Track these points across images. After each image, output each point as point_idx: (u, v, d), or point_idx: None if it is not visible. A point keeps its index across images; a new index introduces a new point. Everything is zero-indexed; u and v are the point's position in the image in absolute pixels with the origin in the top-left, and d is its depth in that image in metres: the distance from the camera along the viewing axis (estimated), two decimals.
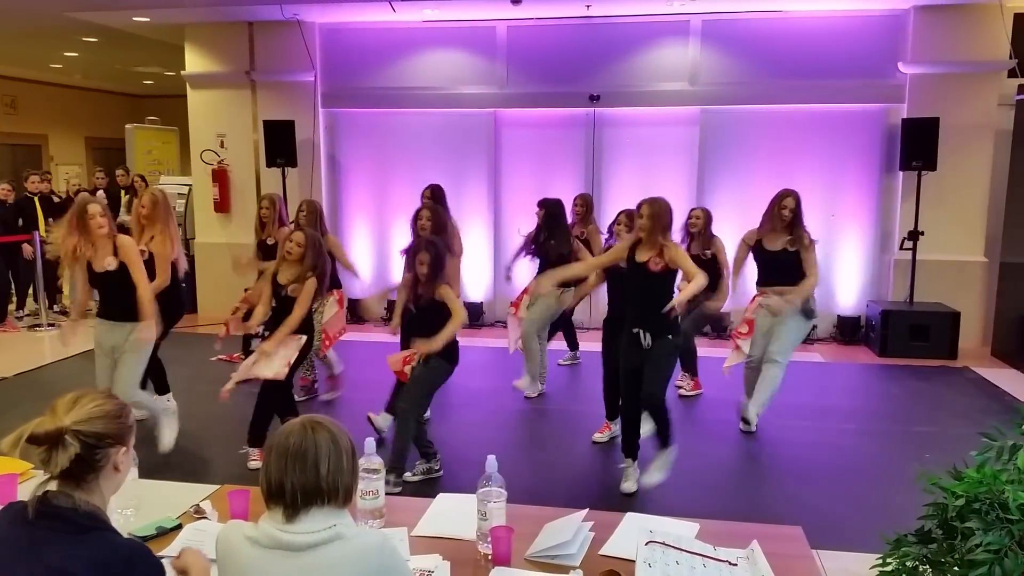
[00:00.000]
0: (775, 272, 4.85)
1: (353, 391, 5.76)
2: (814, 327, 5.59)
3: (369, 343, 7.06)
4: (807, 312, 4.86)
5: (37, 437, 1.53)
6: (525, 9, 7.44)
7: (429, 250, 4.12)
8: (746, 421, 5.02)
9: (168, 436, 4.61)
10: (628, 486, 4.17)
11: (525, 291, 5.66)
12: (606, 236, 5.50)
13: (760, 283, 4.99)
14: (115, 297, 4.34)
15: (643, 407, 4.09)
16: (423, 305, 4.16)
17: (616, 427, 4.85)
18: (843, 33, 7.53)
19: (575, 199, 6.24)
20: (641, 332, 4.03)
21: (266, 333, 4.57)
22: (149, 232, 4.92)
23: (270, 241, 5.68)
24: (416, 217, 5.03)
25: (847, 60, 7.52)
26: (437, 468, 4.35)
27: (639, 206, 4.04)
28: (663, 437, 4.09)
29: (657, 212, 3.96)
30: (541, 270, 5.56)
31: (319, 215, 5.59)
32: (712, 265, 5.30)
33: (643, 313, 4.04)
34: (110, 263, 4.24)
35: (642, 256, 4.02)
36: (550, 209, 5.60)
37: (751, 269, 5.03)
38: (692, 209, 5.62)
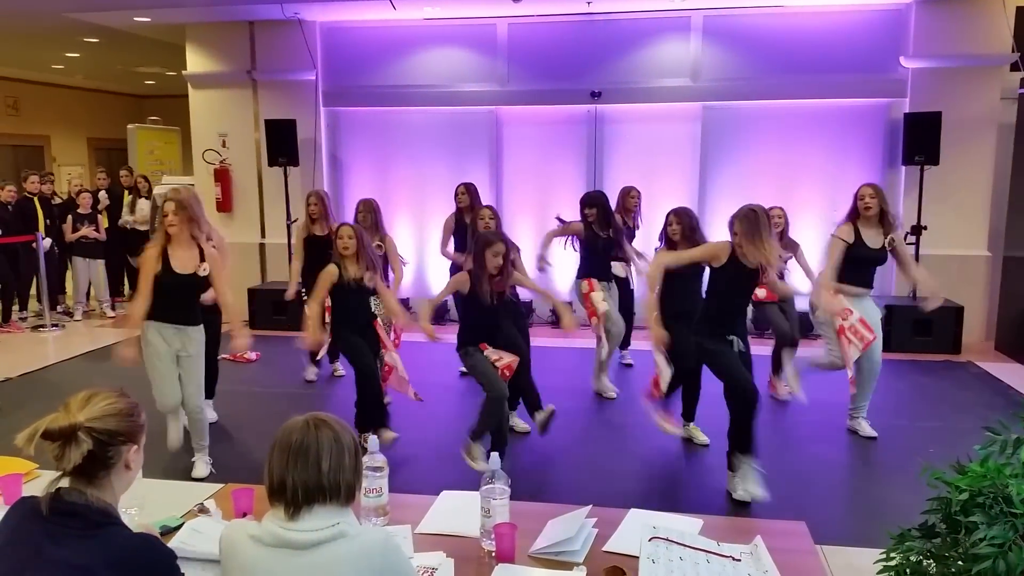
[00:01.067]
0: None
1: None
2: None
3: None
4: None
5: (52, 433, 1.56)
6: (526, 6, 7.44)
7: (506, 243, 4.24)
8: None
9: (202, 470, 4.39)
10: (755, 491, 3.97)
11: (587, 296, 5.54)
12: (658, 245, 5.13)
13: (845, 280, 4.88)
14: (189, 301, 4.24)
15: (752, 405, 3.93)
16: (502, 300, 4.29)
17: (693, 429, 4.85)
18: (844, 28, 7.52)
19: (630, 190, 6.32)
20: (737, 339, 4.02)
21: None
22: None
23: (319, 231, 5.83)
24: (477, 216, 5.34)
25: (849, 55, 7.50)
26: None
27: (732, 219, 3.92)
28: (748, 444, 3.98)
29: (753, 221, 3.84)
30: (595, 263, 5.58)
31: (376, 213, 5.70)
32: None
33: (737, 320, 4.05)
34: (204, 268, 4.14)
35: (749, 262, 3.87)
36: (601, 202, 5.56)
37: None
38: (773, 208, 5.31)
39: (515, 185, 8.29)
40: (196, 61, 8.66)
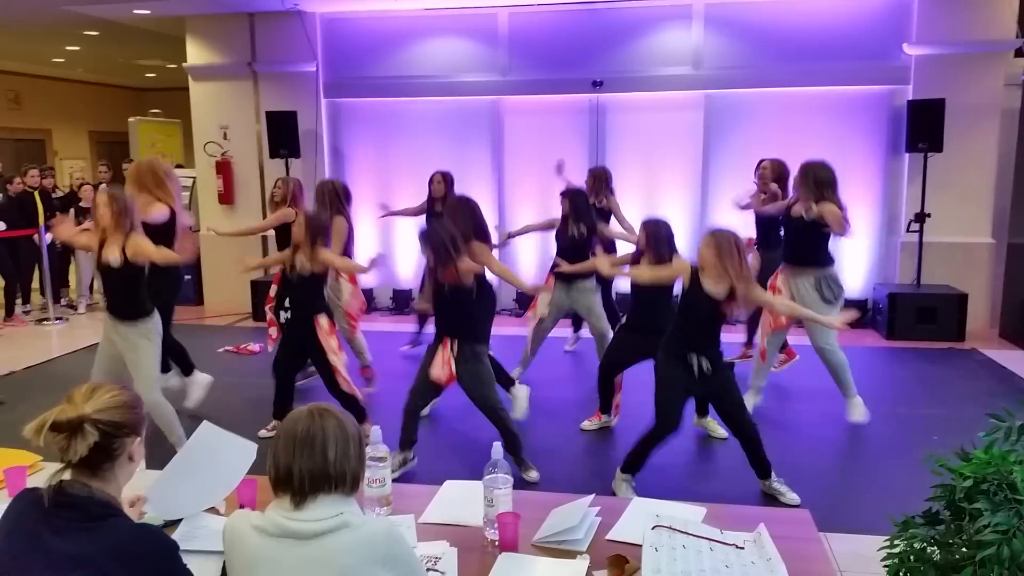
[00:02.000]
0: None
1: (383, 381, 5.76)
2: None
3: (377, 333, 7.06)
4: (827, 300, 4.82)
5: (59, 424, 1.58)
6: None
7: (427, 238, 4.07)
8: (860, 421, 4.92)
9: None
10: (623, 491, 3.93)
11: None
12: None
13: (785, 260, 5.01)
14: (117, 293, 4.23)
15: (745, 438, 3.87)
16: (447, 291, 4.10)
17: (607, 419, 4.92)
18: (847, 15, 7.48)
19: (587, 177, 6.32)
20: (696, 357, 3.78)
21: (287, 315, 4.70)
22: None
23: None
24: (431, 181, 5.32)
25: (851, 42, 7.46)
26: (412, 458, 4.28)
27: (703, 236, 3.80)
28: (764, 467, 3.92)
29: (719, 243, 3.63)
30: (565, 258, 5.47)
31: (336, 195, 5.65)
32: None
33: (699, 340, 3.82)
34: (114, 259, 4.10)
35: (713, 288, 3.69)
36: (576, 199, 5.46)
37: None
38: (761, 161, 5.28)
39: (517, 175, 8.27)
40: (196, 53, 8.64)
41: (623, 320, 4.83)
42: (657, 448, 3.84)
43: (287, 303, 4.85)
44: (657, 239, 4.37)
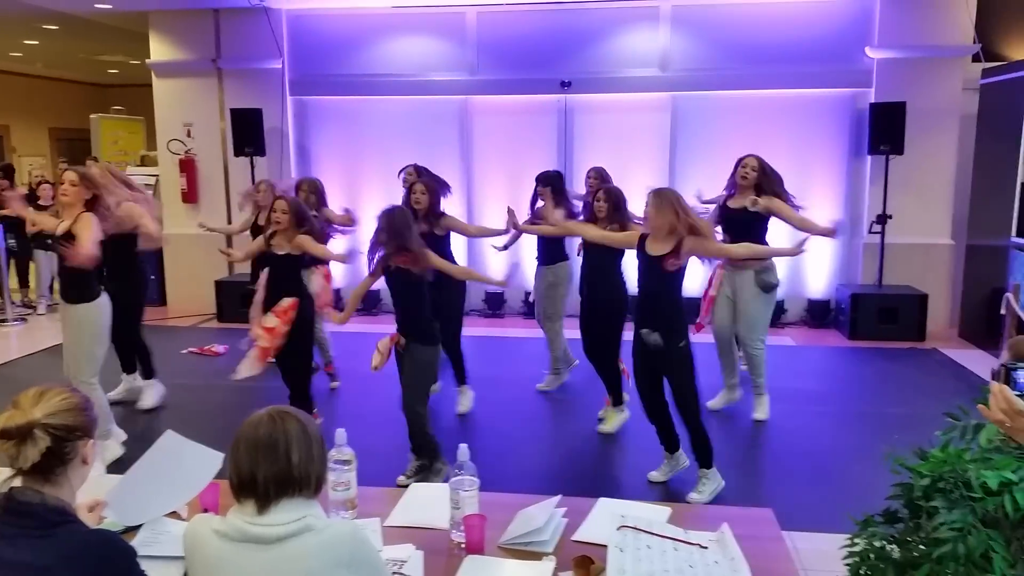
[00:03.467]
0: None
1: (347, 382, 5.73)
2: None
3: (350, 333, 7.00)
4: (766, 285, 4.87)
5: (8, 431, 1.53)
6: None
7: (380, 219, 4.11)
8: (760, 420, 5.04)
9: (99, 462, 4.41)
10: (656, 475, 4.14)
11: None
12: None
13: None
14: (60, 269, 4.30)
15: (688, 426, 3.90)
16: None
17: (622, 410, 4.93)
18: (811, 18, 7.58)
19: (590, 172, 6.18)
20: (648, 332, 3.79)
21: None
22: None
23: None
24: (411, 191, 5.07)
25: (815, 45, 7.57)
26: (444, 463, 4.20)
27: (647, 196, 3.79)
28: (707, 458, 3.95)
29: (660, 203, 3.66)
30: (543, 245, 5.50)
31: (319, 193, 5.71)
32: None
33: (651, 310, 3.80)
34: (60, 229, 4.16)
35: (654, 249, 3.74)
36: (555, 184, 5.41)
37: None
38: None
39: (485, 175, 8.26)
40: (160, 49, 8.51)
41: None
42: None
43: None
44: (618, 206, 4.53)
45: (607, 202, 4.54)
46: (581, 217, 5.06)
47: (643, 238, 3.85)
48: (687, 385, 3.84)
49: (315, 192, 5.67)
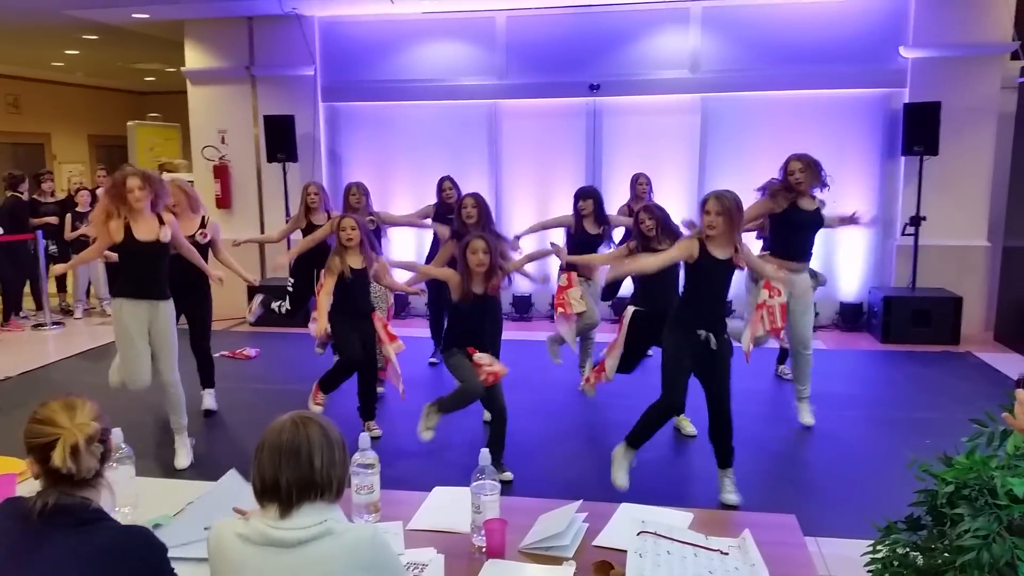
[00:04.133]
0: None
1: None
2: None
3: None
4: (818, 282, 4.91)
5: (75, 447, 1.59)
6: None
7: (488, 241, 4.10)
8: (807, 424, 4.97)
9: (183, 458, 4.47)
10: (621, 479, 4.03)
11: (563, 289, 5.48)
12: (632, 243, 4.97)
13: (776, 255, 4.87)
14: (155, 273, 4.30)
15: (721, 424, 3.87)
16: (478, 303, 4.16)
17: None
18: (843, 18, 7.49)
19: (639, 177, 6.43)
20: (710, 335, 3.79)
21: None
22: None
23: (317, 222, 5.85)
24: (461, 205, 5.09)
25: (848, 45, 7.48)
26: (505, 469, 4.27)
27: (705, 201, 3.76)
28: (727, 457, 3.93)
29: (729, 208, 3.66)
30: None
31: (367, 195, 5.82)
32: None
33: (713, 313, 3.83)
34: (164, 233, 4.23)
35: (720, 253, 3.73)
36: (595, 196, 5.47)
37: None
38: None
39: (514, 178, 8.29)
40: (195, 57, 8.67)
41: (631, 312, 4.72)
42: (661, 424, 3.88)
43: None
44: (666, 222, 4.56)
45: (653, 219, 4.57)
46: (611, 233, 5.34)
47: (703, 246, 3.75)
48: (728, 382, 3.88)
49: (365, 195, 5.78)
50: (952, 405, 5.36)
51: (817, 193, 4.76)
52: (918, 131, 7.06)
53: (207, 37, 8.57)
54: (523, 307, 8.23)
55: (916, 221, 7.24)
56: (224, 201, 8.74)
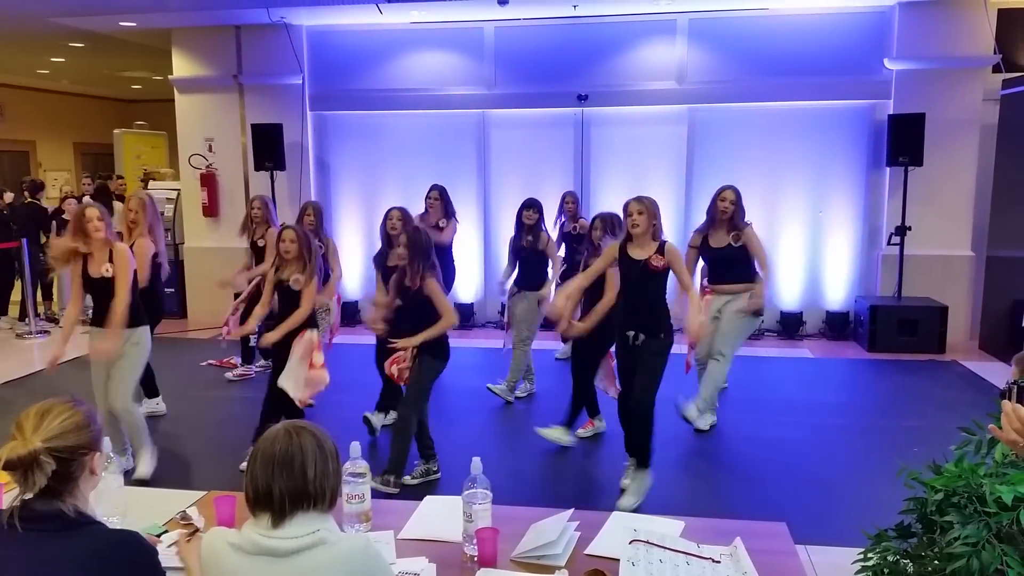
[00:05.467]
0: (724, 269, 4.92)
1: (347, 394, 5.75)
2: (762, 321, 5.61)
3: (361, 345, 7.05)
4: (757, 312, 4.90)
5: (12, 463, 1.54)
6: (512, 10, 7.46)
7: (410, 239, 4.10)
8: (688, 420, 4.92)
9: (145, 466, 4.35)
10: (626, 483, 4.14)
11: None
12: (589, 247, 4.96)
13: (712, 281, 5.02)
14: (108, 304, 4.22)
15: (632, 415, 3.98)
16: (410, 300, 4.13)
17: (599, 424, 5.01)
18: (829, 30, 7.57)
19: (567, 196, 6.42)
20: (633, 333, 3.93)
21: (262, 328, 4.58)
22: (136, 235, 4.91)
23: (261, 242, 5.84)
24: (386, 218, 5.12)
25: (833, 57, 7.55)
26: (435, 470, 4.35)
27: (627, 205, 3.94)
28: (643, 455, 3.98)
29: (649, 209, 3.87)
30: (522, 271, 5.67)
31: (321, 216, 5.80)
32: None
33: (636, 312, 3.95)
34: (107, 269, 4.16)
35: (638, 253, 3.91)
36: (541, 212, 5.62)
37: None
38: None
39: (503, 188, 8.30)
40: (182, 65, 8.64)
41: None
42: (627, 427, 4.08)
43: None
44: (615, 230, 4.53)
45: (602, 229, 4.59)
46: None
47: (623, 248, 3.95)
48: (655, 380, 3.92)
49: (318, 215, 5.73)
50: (938, 413, 5.40)
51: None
52: (903, 142, 7.13)
53: (195, 45, 8.55)
54: (464, 316, 8.13)
55: (901, 231, 7.31)
56: (211, 210, 8.70)
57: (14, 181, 8.93)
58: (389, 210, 5.15)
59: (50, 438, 1.57)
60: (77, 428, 1.62)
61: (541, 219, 5.63)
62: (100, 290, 4.23)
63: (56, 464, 1.56)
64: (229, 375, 6.49)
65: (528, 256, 5.62)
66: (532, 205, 5.60)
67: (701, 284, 5.14)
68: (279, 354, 4.37)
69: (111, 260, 4.17)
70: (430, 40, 8.21)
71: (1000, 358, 6.79)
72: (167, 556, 2.05)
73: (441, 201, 6.05)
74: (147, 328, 4.39)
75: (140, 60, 10.43)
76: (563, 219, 6.43)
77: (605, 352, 4.61)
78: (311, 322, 4.45)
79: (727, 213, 4.86)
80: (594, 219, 4.81)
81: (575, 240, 6.21)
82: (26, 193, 8.66)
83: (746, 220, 4.96)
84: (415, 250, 4.09)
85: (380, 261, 5.11)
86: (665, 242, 3.91)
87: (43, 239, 8.44)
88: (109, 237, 4.19)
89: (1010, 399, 1.56)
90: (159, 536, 2.21)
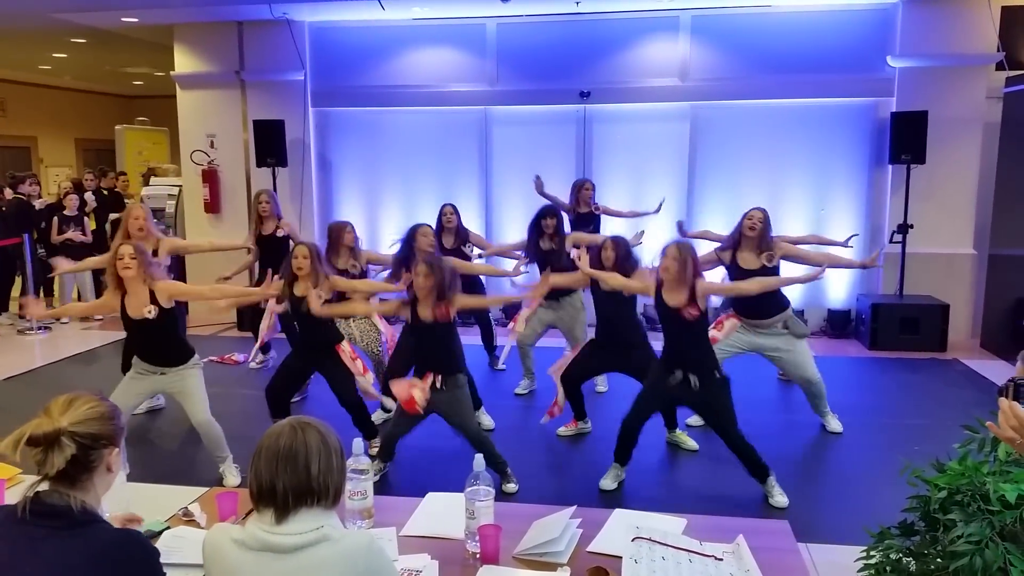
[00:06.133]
0: (757, 297, 4.49)
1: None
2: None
3: None
4: (800, 335, 4.93)
5: (35, 438, 1.57)
6: (514, 6, 7.45)
7: (432, 266, 3.95)
8: (834, 432, 5.06)
9: (232, 478, 4.31)
10: (607, 483, 4.14)
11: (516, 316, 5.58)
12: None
13: (743, 313, 4.90)
14: (158, 342, 4.14)
15: (734, 452, 3.97)
16: (431, 332, 4.01)
17: (583, 425, 5.04)
18: (832, 27, 7.55)
19: (586, 183, 6.41)
20: (682, 374, 3.93)
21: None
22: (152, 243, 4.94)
23: (280, 233, 6.04)
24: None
25: (836, 54, 7.54)
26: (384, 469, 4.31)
27: (666, 247, 3.88)
28: (759, 472, 4.00)
29: (683, 258, 3.81)
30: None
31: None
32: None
33: (679, 353, 3.96)
34: (149, 311, 4.00)
35: (671, 299, 3.89)
36: (560, 218, 5.55)
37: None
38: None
39: (505, 185, 8.29)
40: (184, 62, 8.64)
41: (592, 337, 4.86)
42: (623, 438, 4.10)
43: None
44: (627, 256, 4.47)
45: (615, 251, 4.47)
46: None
47: (659, 287, 3.96)
48: (732, 417, 3.99)
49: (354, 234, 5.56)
50: (939, 411, 5.40)
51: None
52: (905, 140, 7.12)
53: (197, 41, 8.54)
54: (511, 313, 8.17)
55: (903, 229, 7.30)
56: (213, 206, 8.70)
57: (13, 176, 8.90)
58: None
59: (75, 422, 1.60)
60: (102, 418, 1.65)
61: (560, 226, 5.50)
62: (143, 330, 4.08)
63: (76, 449, 1.59)
64: (252, 364, 6.67)
65: (556, 264, 5.36)
66: (552, 214, 5.49)
67: (725, 311, 5.11)
68: (319, 361, 4.50)
69: (153, 300, 4.01)
70: (432, 36, 8.20)
71: (1002, 356, 6.78)
72: (168, 553, 2.06)
73: (456, 216, 5.95)
74: (196, 355, 4.33)
75: (142, 56, 10.43)
76: (572, 201, 6.37)
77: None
78: (338, 335, 4.59)
79: (755, 231, 4.71)
80: (605, 241, 4.61)
81: (587, 221, 6.23)
82: (8, 189, 8.57)
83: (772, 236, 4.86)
84: (440, 287, 3.94)
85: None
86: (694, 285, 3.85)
87: (34, 235, 8.36)
88: (148, 272, 4.01)
89: (1007, 397, 1.57)
90: (159, 533, 2.22)
